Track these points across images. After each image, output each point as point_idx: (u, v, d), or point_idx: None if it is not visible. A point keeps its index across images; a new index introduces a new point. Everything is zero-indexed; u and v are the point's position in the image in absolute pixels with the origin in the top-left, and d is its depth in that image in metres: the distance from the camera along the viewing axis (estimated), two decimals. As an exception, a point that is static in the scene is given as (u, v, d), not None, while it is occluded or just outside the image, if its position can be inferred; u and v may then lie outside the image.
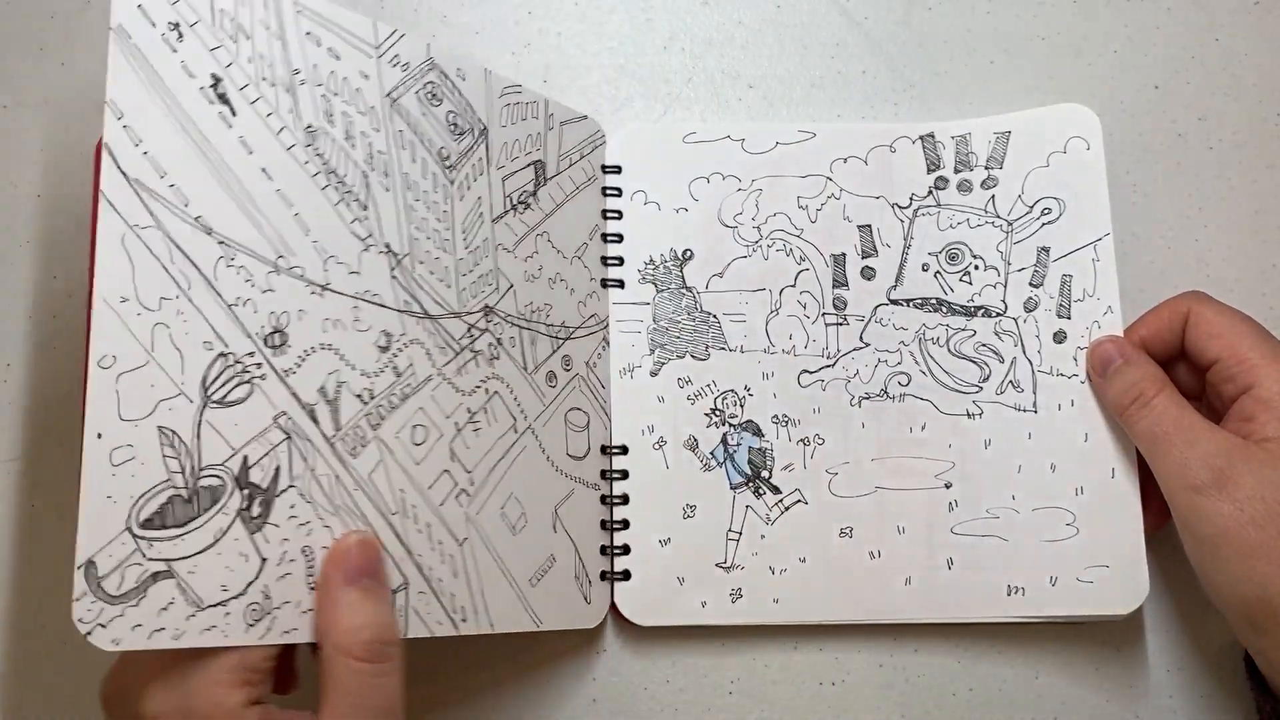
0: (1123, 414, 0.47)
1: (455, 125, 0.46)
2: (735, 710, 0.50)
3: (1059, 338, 0.51)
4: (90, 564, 0.35)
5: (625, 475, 0.50)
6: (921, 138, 0.53)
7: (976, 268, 0.51)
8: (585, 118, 0.52)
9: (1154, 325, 0.49)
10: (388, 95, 0.44)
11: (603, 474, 0.50)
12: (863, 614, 0.50)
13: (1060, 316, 0.51)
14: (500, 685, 0.50)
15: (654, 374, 0.51)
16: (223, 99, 0.40)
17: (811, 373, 0.51)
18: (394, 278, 0.43)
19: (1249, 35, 0.56)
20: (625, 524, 0.50)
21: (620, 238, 0.52)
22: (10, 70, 0.53)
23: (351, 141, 0.43)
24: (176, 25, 0.39)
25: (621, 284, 0.52)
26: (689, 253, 0.52)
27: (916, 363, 0.51)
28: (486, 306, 0.46)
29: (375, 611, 0.36)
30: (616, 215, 0.52)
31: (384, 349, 0.42)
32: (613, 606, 0.50)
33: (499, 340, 0.46)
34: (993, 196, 0.52)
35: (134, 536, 0.36)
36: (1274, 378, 0.44)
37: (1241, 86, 0.56)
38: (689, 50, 0.56)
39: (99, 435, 0.36)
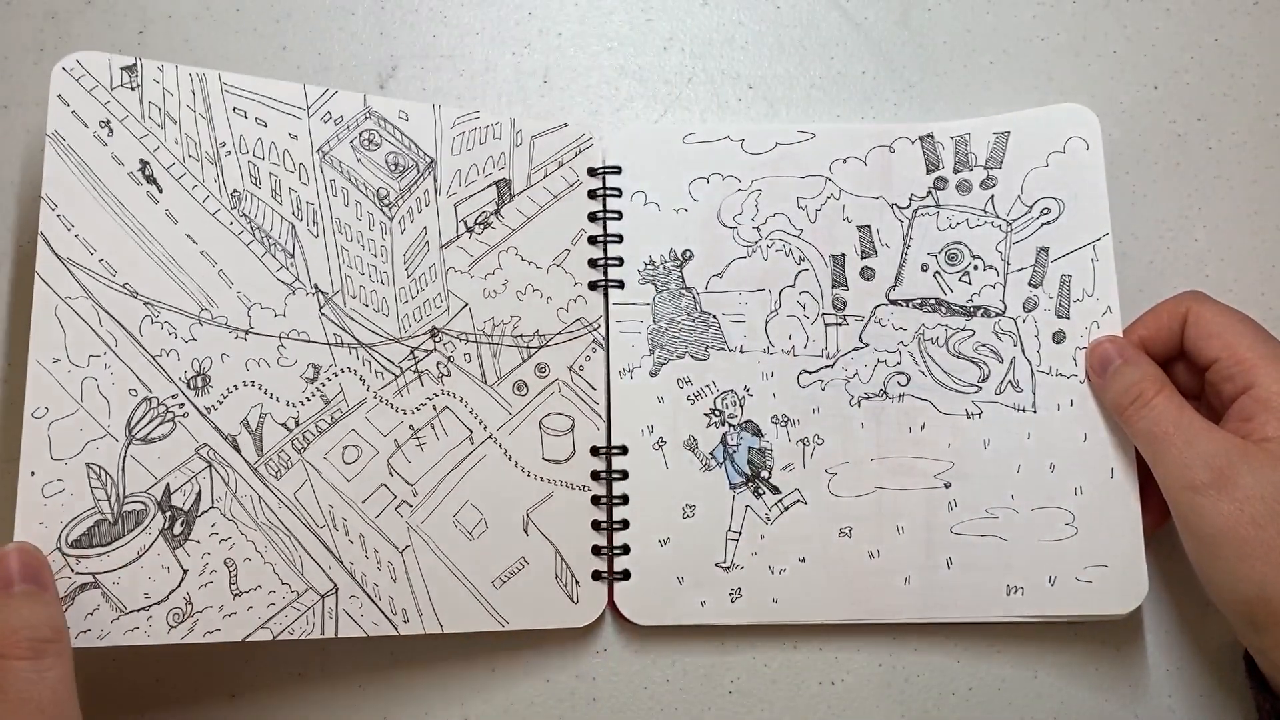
0: (1122, 414, 0.47)
1: (395, 165, 0.49)
2: (735, 710, 0.50)
3: (1058, 338, 0.51)
4: None
5: (625, 475, 0.50)
6: (921, 138, 0.53)
7: (976, 268, 0.51)
8: (565, 125, 0.53)
9: (1153, 325, 0.49)
10: (318, 150, 0.48)
11: (595, 475, 0.50)
12: (862, 614, 0.50)
13: (1059, 316, 0.51)
14: (501, 684, 0.50)
15: (653, 374, 0.51)
16: (150, 179, 0.46)
17: (811, 373, 0.51)
18: (323, 314, 0.48)
19: (1249, 35, 0.56)
20: (625, 524, 0.50)
21: (620, 238, 0.52)
22: (10, 70, 0.54)
23: (278, 198, 0.48)
24: (107, 123, 0.46)
25: (621, 284, 0.52)
26: (689, 253, 0.52)
27: (916, 363, 0.51)
28: (434, 328, 0.49)
29: (31, 613, 0.38)
30: (616, 215, 0.52)
31: (311, 380, 0.47)
32: (613, 607, 0.50)
33: (449, 358, 0.49)
34: (992, 197, 0.52)
35: (63, 554, 0.43)
36: (1273, 378, 0.44)
37: (1241, 86, 0.56)
38: (689, 51, 0.56)
39: (32, 473, 0.43)
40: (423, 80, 0.54)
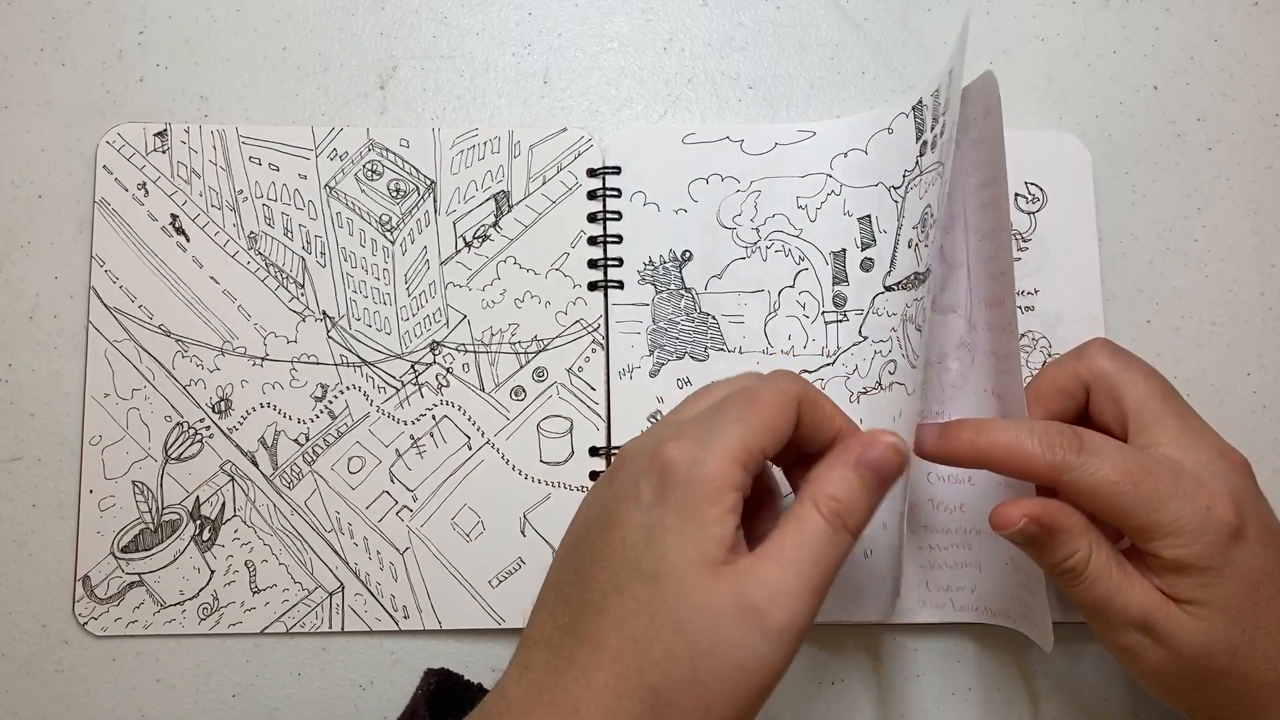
0: (1056, 582, 0.43)
1: (397, 191, 0.52)
2: (734, 710, 0.50)
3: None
4: (86, 578, 0.50)
5: (624, 475, 0.50)
6: (913, 108, 0.51)
7: (933, 226, 0.48)
8: (564, 130, 0.53)
9: (1054, 406, 0.45)
10: (325, 186, 0.52)
11: (594, 475, 0.51)
12: (861, 614, 0.50)
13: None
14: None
15: (653, 375, 0.51)
16: (179, 230, 0.52)
17: (811, 372, 0.51)
18: (330, 338, 0.51)
19: (1248, 35, 0.56)
20: (624, 524, 0.50)
21: (619, 238, 0.52)
22: (10, 70, 0.54)
23: (290, 235, 0.52)
24: (144, 185, 0.52)
25: (621, 285, 0.52)
26: (688, 254, 0.52)
27: (900, 347, 0.50)
28: (434, 342, 0.52)
29: (859, 495, 0.38)
30: (616, 216, 0.52)
31: (319, 398, 0.51)
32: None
33: (449, 369, 0.51)
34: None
35: (115, 558, 0.50)
36: (1185, 536, 0.40)
37: (1241, 86, 0.56)
38: (689, 51, 0.56)
39: (90, 491, 0.50)
40: (423, 80, 0.54)
